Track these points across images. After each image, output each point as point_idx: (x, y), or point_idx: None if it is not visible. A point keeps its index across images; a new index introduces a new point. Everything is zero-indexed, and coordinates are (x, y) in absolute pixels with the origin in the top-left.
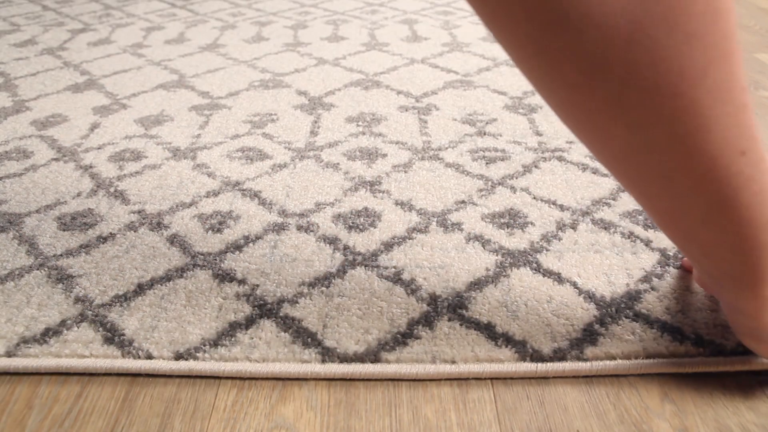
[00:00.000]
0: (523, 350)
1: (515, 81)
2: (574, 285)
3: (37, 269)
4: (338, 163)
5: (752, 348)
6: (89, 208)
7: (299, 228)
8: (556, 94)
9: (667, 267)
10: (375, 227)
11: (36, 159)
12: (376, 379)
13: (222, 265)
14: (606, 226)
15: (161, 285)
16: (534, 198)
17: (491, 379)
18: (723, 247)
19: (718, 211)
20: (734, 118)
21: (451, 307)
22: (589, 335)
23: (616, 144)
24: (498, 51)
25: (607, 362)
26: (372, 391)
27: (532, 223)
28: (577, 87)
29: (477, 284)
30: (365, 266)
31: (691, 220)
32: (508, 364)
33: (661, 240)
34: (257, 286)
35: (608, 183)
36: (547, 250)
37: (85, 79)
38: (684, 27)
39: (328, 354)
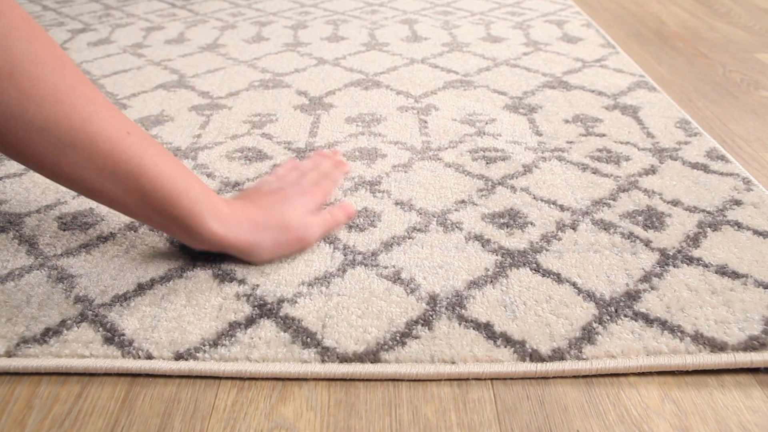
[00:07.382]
0: (522, 350)
1: (515, 81)
2: (574, 285)
3: (37, 269)
4: None
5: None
6: (90, 208)
7: None
8: None
9: (666, 267)
10: (375, 227)
11: None
12: (376, 379)
13: (222, 265)
14: (606, 226)
15: (161, 285)
16: (534, 198)
17: (491, 379)
18: (153, 208)
19: (134, 179)
20: (109, 112)
21: (450, 307)
22: (587, 334)
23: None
24: (498, 51)
25: (607, 361)
26: (372, 391)
27: (531, 223)
28: None
29: (476, 284)
30: (365, 266)
31: (127, 197)
32: (508, 364)
33: (661, 240)
34: (257, 286)
35: (608, 183)
36: (546, 250)
37: None
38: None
39: (327, 354)
